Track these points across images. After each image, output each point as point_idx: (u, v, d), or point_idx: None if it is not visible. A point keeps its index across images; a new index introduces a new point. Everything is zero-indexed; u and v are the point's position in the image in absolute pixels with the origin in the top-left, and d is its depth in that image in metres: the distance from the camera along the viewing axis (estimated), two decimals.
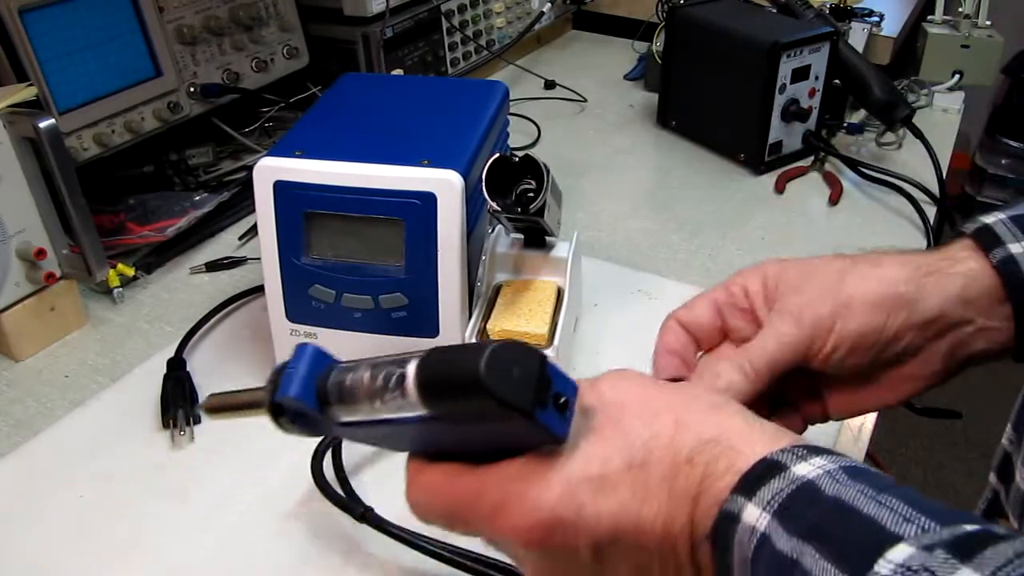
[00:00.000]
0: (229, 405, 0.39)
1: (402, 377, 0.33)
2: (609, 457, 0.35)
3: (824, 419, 0.52)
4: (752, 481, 0.32)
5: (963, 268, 0.46)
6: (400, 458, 0.66)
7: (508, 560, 0.55)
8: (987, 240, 0.46)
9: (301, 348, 0.37)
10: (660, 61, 1.14)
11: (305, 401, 0.35)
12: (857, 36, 1.18)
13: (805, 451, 0.33)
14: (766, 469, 0.33)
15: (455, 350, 0.33)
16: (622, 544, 0.35)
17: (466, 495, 0.36)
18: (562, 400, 0.33)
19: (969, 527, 0.29)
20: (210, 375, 0.73)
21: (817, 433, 0.66)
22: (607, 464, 0.35)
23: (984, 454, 2.12)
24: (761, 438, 0.35)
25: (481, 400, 0.31)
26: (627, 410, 0.36)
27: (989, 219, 0.47)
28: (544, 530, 0.35)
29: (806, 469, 0.32)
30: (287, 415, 0.36)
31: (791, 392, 0.51)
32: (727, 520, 0.32)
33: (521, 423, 0.32)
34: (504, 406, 0.31)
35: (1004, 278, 0.45)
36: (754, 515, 0.31)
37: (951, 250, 0.47)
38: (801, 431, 0.51)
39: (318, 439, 0.61)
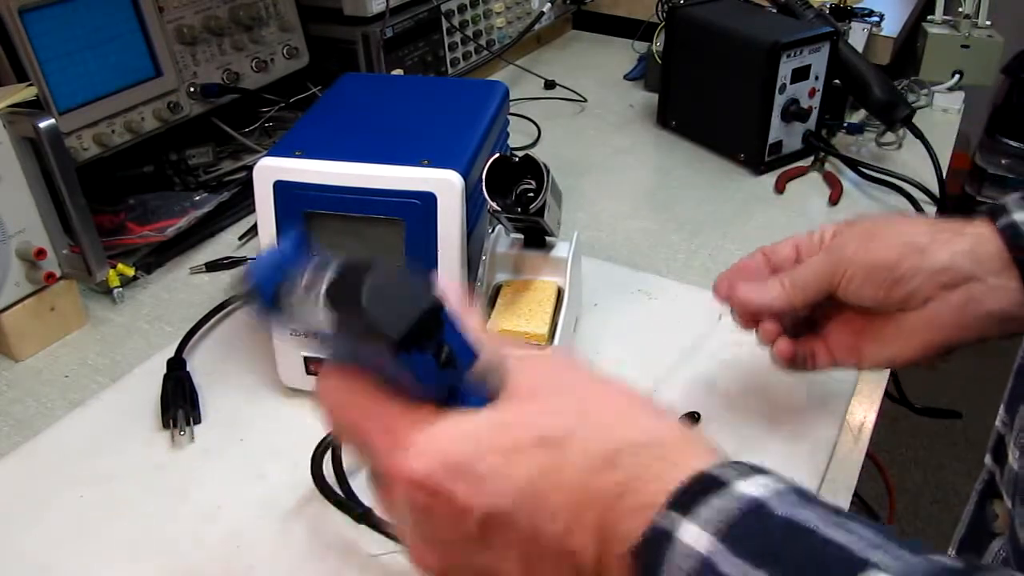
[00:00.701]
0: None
1: (323, 274, 0.32)
2: (526, 425, 0.32)
3: (852, 360, 0.57)
4: (689, 496, 0.30)
5: (973, 231, 0.52)
6: None
7: None
8: (997, 211, 0.51)
9: (285, 237, 0.37)
10: (660, 61, 1.14)
11: (263, 292, 0.34)
12: (857, 36, 1.18)
13: (748, 468, 0.31)
14: (704, 484, 0.30)
15: (378, 269, 0.31)
16: (518, 527, 0.31)
17: (373, 411, 0.34)
18: (445, 354, 0.31)
19: (948, 562, 0.27)
20: (210, 375, 0.73)
21: (817, 434, 0.66)
22: (521, 432, 0.32)
23: (984, 454, 2.12)
24: (697, 451, 0.32)
25: (356, 315, 0.30)
26: (559, 389, 0.34)
27: (1006, 198, 0.52)
28: (437, 482, 0.32)
29: (751, 487, 0.29)
30: (255, 302, 0.35)
31: (830, 336, 0.59)
32: (659, 538, 0.29)
33: (387, 356, 0.30)
34: (370, 327, 0.30)
35: (1007, 241, 0.50)
36: (692, 534, 0.28)
37: (968, 220, 0.53)
38: (826, 365, 0.59)
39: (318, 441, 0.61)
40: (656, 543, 0.29)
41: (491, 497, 0.31)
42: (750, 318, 0.60)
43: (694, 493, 0.30)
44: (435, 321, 0.31)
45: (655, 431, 0.33)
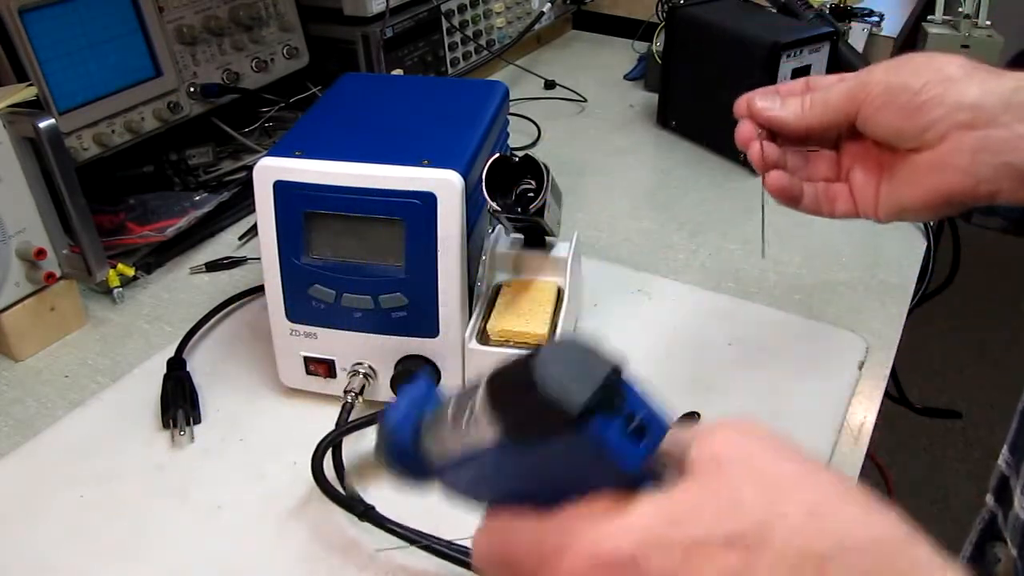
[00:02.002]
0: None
1: (474, 391, 0.30)
2: (710, 521, 0.26)
3: (870, 206, 0.55)
4: None
5: (1016, 76, 0.48)
6: None
7: None
8: None
9: (408, 385, 0.35)
10: (660, 61, 1.14)
11: (401, 435, 0.32)
12: (857, 36, 1.18)
13: None
14: None
15: (543, 354, 0.28)
16: None
17: (524, 535, 0.30)
18: (635, 423, 0.28)
19: None
20: (210, 375, 0.73)
21: (817, 434, 0.66)
22: (705, 528, 0.26)
23: (984, 454, 2.13)
24: (918, 557, 0.26)
25: (531, 398, 0.27)
26: (746, 473, 0.27)
27: None
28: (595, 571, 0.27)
29: None
30: (390, 454, 0.34)
31: (851, 178, 0.56)
32: None
33: (572, 436, 0.27)
34: (546, 404, 0.27)
35: None
36: None
37: (1017, 68, 0.49)
38: (847, 211, 0.57)
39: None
40: None
41: None
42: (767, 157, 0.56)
43: None
44: (618, 387, 0.28)
45: (870, 529, 0.26)
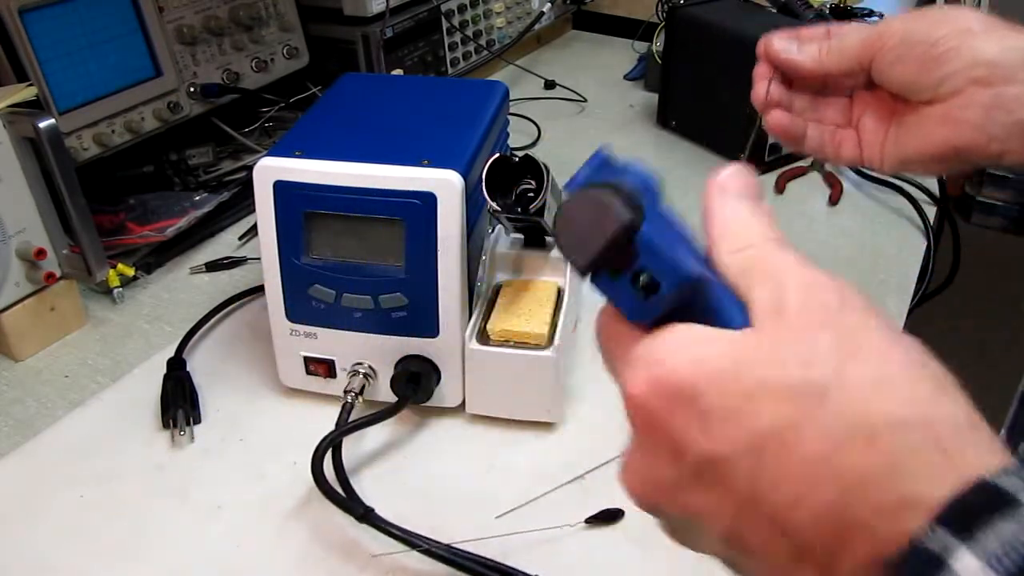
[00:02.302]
0: None
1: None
2: (777, 368, 0.26)
3: (875, 153, 0.54)
4: (968, 513, 0.23)
5: None
6: (399, 457, 0.66)
7: (508, 561, 0.55)
8: None
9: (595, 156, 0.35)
10: (660, 61, 1.14)
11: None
12: None
13: None
14: (990, 498, 0.23)
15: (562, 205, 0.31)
16: (736, 482, 0.27)
17: (613, 330, 0.32)
18: (644, 279, 0.29)
19: None
20: (210, 375, 0.73)
21: None
22: (762, 372, 0.26)
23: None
24: (979, 445, 0.25)
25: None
26: (823, 322, 0.27)
27: None
28: (653, 408, 0.28)
29: None
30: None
31: (860, 124, 0.55)
32: (926, 561, 0.23)
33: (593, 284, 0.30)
34: (565, 253, 0.30)
35: None
36: (972, 570, 0.22)
37: None
38: (853, 157, 0.55)
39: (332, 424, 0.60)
40: (922, 567, 0.23)
41: (711, 442, 0.27)
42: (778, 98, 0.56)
43: (976, 509, 0.23)
44: (627, 244, 0.29)
45: (931, 408, 0.25)
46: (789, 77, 0.55)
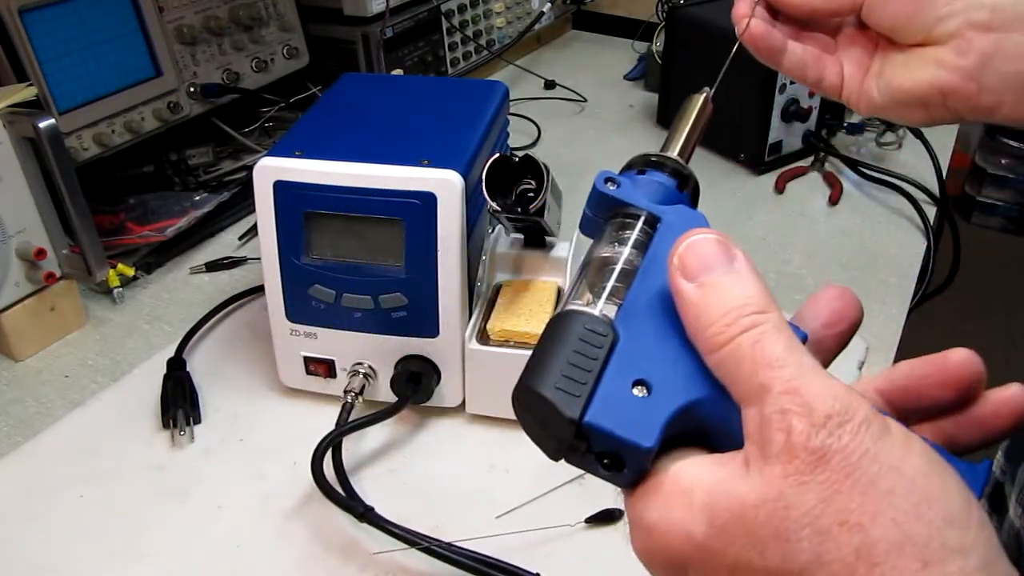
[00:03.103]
0: None
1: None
2: (761, 542, 0.25)
3: (855, 87, 0.50)
4: None
5: None
6: (399, 457, 0.66)
7: (508, 560, 0.55)
8: None
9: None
10: (660, 61, 1.14)
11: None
12: None
13: None
14: None
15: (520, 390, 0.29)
16: None
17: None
18: (605, 460, 0.28)
19: None
20: (210, 375, 0.73)
21: None
22: (755, 549, 0.25)
23: (983, 454, 2.12)
24: None
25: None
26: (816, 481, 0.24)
27: None
28: (650, 561, 0.28)
29: None
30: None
31: (845, 53, 0.51)
32: None
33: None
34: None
35: None
36: None
37: None
38: (832, 84, 0.51)
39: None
40: None
41: None
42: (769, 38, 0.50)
43: None
44: (577, 439, 0.28)
45: None
46: (774, 8, 0.50)
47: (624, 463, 0.28)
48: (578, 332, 0.29)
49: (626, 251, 0.32)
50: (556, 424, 0.27)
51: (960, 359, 0.31)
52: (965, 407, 0.31)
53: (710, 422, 0.28)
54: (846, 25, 0.51)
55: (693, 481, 0.27)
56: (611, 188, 0.34)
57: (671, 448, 0.28)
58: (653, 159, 0.36)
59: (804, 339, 0.31)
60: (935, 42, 0.45)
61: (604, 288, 0.31)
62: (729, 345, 0.27)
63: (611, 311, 0.30)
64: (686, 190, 0.36)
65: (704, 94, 0.43)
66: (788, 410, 0.25)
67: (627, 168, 0.36)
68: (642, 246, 0.32)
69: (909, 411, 0.32)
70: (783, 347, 0.26)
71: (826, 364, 0.33)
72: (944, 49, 0.45)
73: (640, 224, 0.33)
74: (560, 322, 0.30)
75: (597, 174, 0.34)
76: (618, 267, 0.32)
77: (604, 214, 0.35)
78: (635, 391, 0.28)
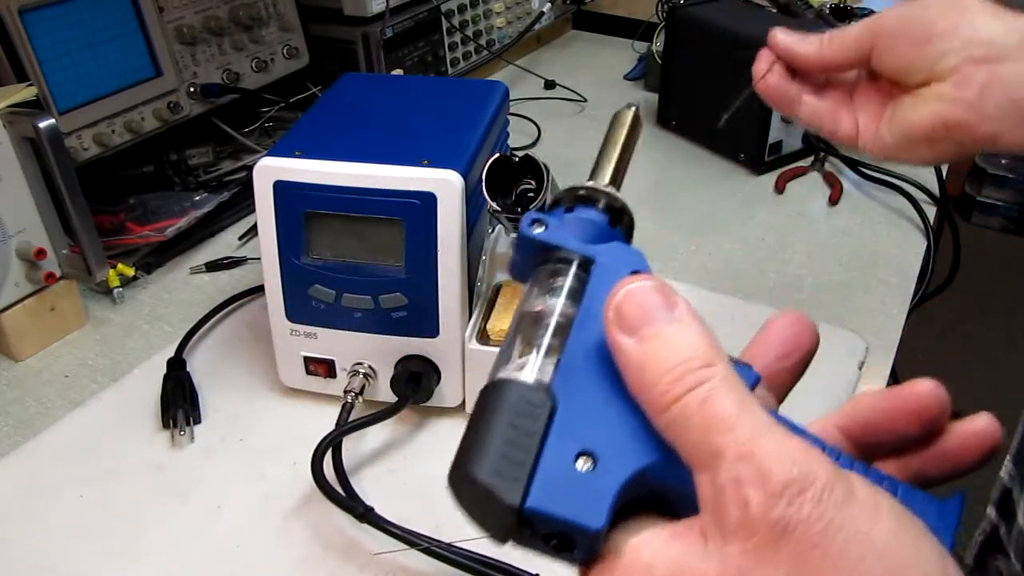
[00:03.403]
0: None
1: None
2: None
3: (869, 136, 0.53)
4: None
5: None
6: (399, 457, 0.66)
7: (508, 560, 0.55)
8: None
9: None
10: (660, 61, 1.14)
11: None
12: None
13: None
14: None
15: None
16: None
17: None
18: (554, 542, 0.26)
19: None
20: (210, 375, 0.73)
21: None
22: None
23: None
24: None
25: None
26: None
27: None
28: None
29: None
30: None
31: (858, 102, 0.55)
32: None
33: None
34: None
35: None
36: None
37: None
38: (848, 133, 0.54)
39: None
40: None
41: None
42: (784, 89, 0.55)
43: None
44: (522, 524, 0.26)
45: None
46: (791, 69, 0.55)
47: (574, 544, 0.26)
48: (512, 404, 0.26)
49: (560, 302, 0.30)
50: (496, 511, 0.25)
51: (922, 390, 0.29)
52: (931, 440, 0.30)
53: (664, 486, 0.26)
54: (860, 80, 0.55)
55: (652, 558, 0.25)
56: (537, 231, 0.31)
57: (625, 517, 0.26)
58: (580, 193, 0.33)
59: (756, 382, 0.29)
60: (937, 78, 0.49)
61: (538, 347, 0.29)
62: (676, 405, 0.25)
63: (549, 371, 0.28)
64: (619, 225, 0.33)
65: (632, 109, 0.41)
66: (742, 479, 0.23)
67: (555, 205, 0.33)
68: (576, 294, 0.30)
69: (872, 447, 0.30)
70: (733, 404, 0.24)
71: (781, 399, 0.32)
72: (946, 84, 0.48)
73: (573, 269, 0.30)
74: (492, 394, 0.27)
75: (523, 216, 0.31)
76: (552, 321, 0.29)
77: (534, 259, 0.32)
78: (579, 464, 0.26)
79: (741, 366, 0.28)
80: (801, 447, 0.24)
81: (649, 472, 0.26)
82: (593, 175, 0.35)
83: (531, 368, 0.28)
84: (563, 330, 0.29)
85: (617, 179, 0.35)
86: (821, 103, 0.55)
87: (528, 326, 0.30)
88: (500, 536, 0.27)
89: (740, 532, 0.23)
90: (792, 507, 0.23)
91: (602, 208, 0.33)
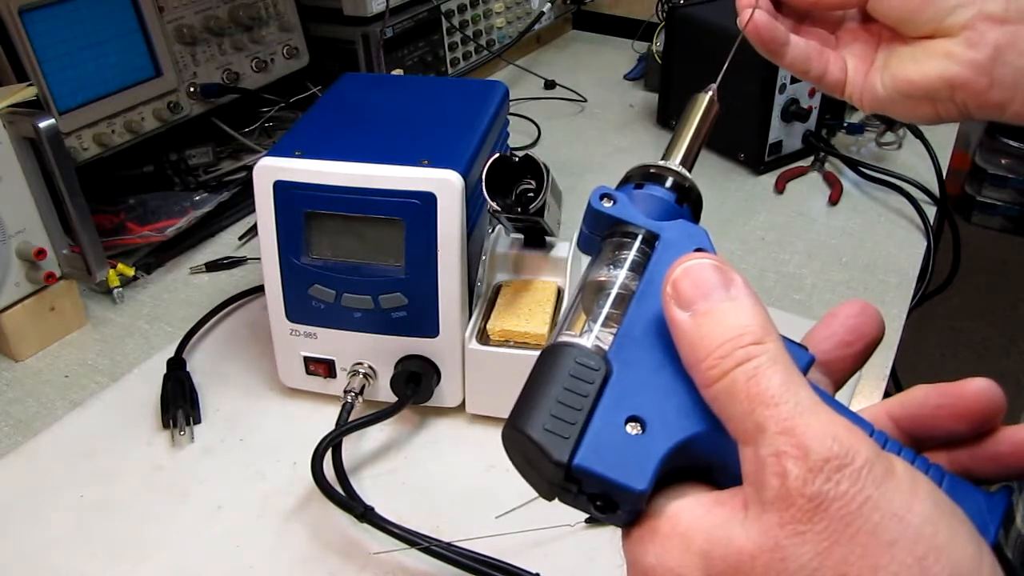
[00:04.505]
0: None
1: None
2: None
3: (858, 82, 0.48)
4: None
5: None
6: (399, 457, 0.66)
7: (508, 560, 0.55)
8: None
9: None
10: (660, 61, 1.14)
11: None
12: None
13: None
14: None
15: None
16: None
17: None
18: (598, 502, 0.27)
19: None
20: (210, 375, 0.73)
21: None
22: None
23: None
24: None
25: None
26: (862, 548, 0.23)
27: None
28: None
29: None
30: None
31: (850, 47, 0.49)
32: None
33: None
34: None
35: None
36: None
37: None
38: (836, 80, 0.49)
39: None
40: None
41: None
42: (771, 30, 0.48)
43: None
44: (567, 481, 0.27)
45: None
46: (778, 3, 0.49)
47: (618, 505, 0.27)
48: (568, 367, 0.28)
49: (622, 274, 0.31)
50: (545, 467, 0.27)
51: (976, 390, 0.29)
52: (982, 439, 0.29)
53: (709, 457, 0.27)
54: (848, 20, 0.50)
55: (691, 524, 0.26)
56: (606, 205, 0.32)
57: (669, 484, 0.27)
58: (651, 171, 0.34)
59: (810, 363, 0.29)
60: (945, 34, 0.44)
61: (599, 315, 0.30)
62: (723, 380, 0.25)
63: (607, 339, 0.29)
64: (687, 203, 0.34)
65: (709, 93, 0.40)
66: (783, 452, 0.24)
67: (625, 182, 0.35)
68: (639, 267, 0.31)
69: (922, 439, 0.30)
70: (779, 382, 0.25)
71: (840, 385, 0.32)
72: (954, 41, 0.44)
73: (637, 243, 0.32)
74: (550, 356, 0.28)
75: (593, 190, 0.32)
76: (613, 292, 0.30)
77: (601, 232, 0.33)
78: (628, 428, 0.27)
79: (795, 347, 0.29)
80: (844, 426, 0.24)
81: (695, 442, 0.27)
82: (665, 155, 0.36)
83: (590, 334, 0.29)
84: (623, 301, 0.30)
85: (688, 160, 0.36)
86: (808, 46, 0.49)
87: (590, 295, 0.31)
88: (547, 492, 0.28)
89: (778, 503, 0.24)
90: (830, 483, 0.23)
91: (670, 186, 0.34)
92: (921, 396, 0.30)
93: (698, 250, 0.30)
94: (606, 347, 0.28)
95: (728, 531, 0.25)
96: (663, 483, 0.27)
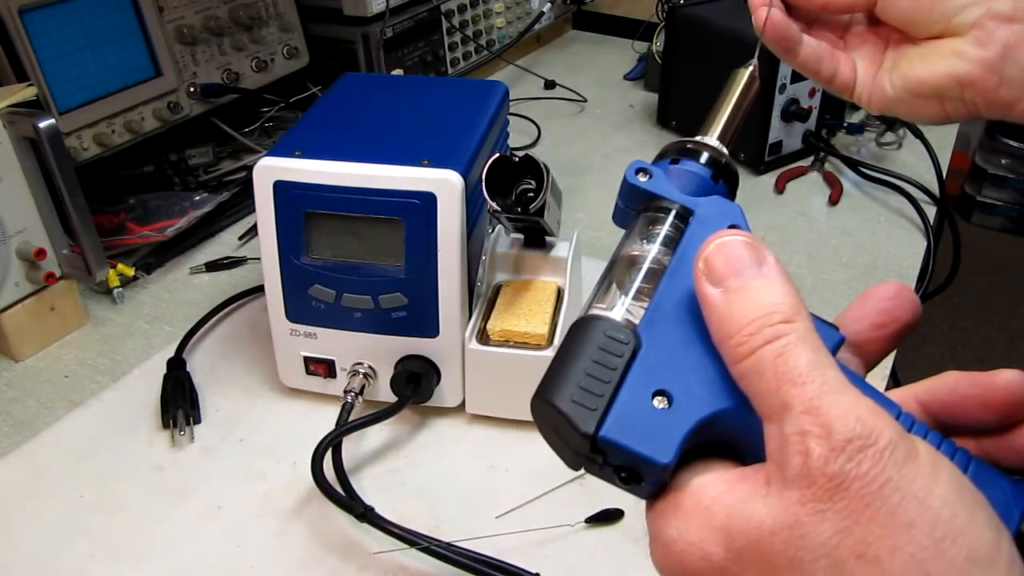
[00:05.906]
0: None
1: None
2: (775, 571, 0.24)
3: (867, 82, 0.49)
4: None
5: None
6: (399, 457, 0.66)
7: (508, 560, 0.55)
8: None
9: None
10: (660, 61, 1.14)
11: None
12: None
13: None
14: None
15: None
16: None
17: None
18: (623, 474, 0.27)
19: None
20: (210, 375, 0.73)
21: None
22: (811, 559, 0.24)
23: None
24: None
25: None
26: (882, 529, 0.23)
27: None
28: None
29: None
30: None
31: (859, 48, 0.50)
32: None
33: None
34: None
35: None
36: None
37: None
38: (846, 81, 0.49)
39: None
40: None
41: None
42: (782, 32, 0.48)
43: None
44: (592, 455, 0.27)
45: None
46: (786, 3, 0.49)
47: (642, 477, 0.27)
48: (598, 340, 0.28)
49: (655, 248, 0.31)
50: (572, 437, 0.27)
51: (1006, 382, 0.29)
52: (1009, 430, 0.30)
53: (734, 433, 0.27)
54: (855, 24, 0.50)
55: (714, 499, 0.26)
56: (642, 179, 0.32)
57: (694, 458, 0.27)
58: (688, 146, 0.34)
59: (840, 343, 0.29)
60: (954, 33, 0.44)
61: (630, 289, 0.30)
62: (752, 357, 0.26)
63: (637, 313, 0.29)
64: (723, 180, 0.34)
65: (750, 68, 0.39)
66: (807, 431, 0.24)
67: (661, 156, 0.34)
68: (672, 242, 0.31)
69: (949, 426, 0.30)
70: (807, 361, 0.25)
71: (872, 365, 0.32)
72: (963, 40, 0.44)
73: (671, 218, 0.32)
74: (580, 328, 0.28)
75: (629, 163, 0.32)
76: (645, 266, 0.30)
77: (635, 206, 0.33)
78: (655, 402, 0.27)
79: (825, 327, 0.29)
80: (869, 407, 0.24)
81: (721, 418, 0.27)
82: (703, 130, 0.36)
83: (620, 307, 0.29)
84: (655, 275, 0.30)
85: (726, 136, 0.36)
86: (820, 46, 0.49)
87: (622, 268, 0.31)
88: (572, 463, 0.28)
89: (799, 481, 0.24)
90: (852, 462, 0.23)
91: (706, 162, 0.34)
92: (951, 383, 0.30)
93: (732, 227, 0.30)
94: (636, 321, 0.29)
95: (749, 507, 0.25)
96: (687, 457, 0.27)
